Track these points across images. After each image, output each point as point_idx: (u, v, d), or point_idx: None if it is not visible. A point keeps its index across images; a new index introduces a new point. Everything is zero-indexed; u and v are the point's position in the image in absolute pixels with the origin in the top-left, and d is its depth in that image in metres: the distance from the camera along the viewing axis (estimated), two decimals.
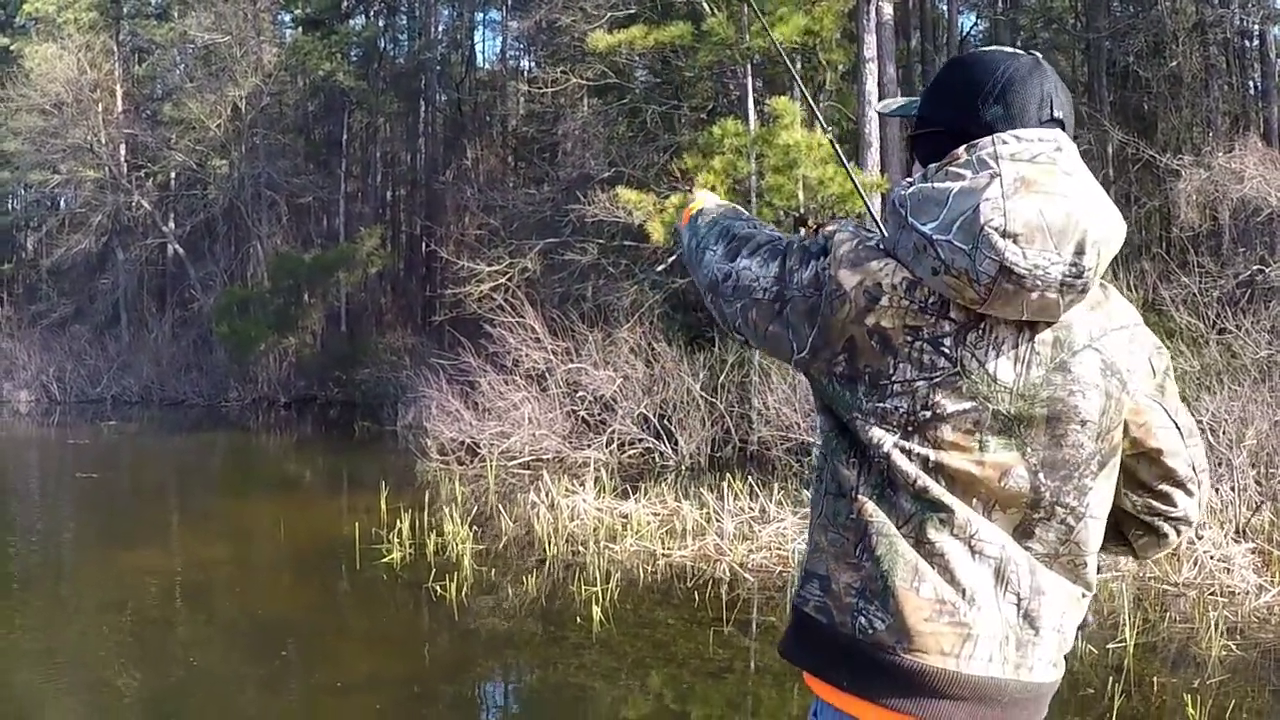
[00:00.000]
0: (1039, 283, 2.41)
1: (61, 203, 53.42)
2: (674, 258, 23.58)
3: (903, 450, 2.54)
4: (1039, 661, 2.60)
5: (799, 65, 25.10)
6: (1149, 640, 10.26)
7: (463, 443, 22.68)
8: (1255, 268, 19.71)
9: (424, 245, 42.92)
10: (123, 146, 46.76)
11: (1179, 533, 2.86)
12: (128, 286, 48.43)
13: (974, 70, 2.73)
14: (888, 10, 24.97)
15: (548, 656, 10.62)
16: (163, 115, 45.61)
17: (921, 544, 2.54)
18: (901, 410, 2.54)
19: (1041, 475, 2.55)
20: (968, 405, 2.51)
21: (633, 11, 25.80)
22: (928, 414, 2.52)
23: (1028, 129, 2.59)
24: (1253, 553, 12.22)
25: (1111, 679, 8.78)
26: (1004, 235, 2.40)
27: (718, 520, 14.65)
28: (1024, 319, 2.51)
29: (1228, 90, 28.07)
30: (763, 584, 12.66)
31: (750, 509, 15.07)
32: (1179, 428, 2.74)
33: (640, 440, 22.08)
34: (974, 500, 2.54)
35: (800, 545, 13.47)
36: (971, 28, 38.37)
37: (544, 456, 21.98)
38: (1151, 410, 2.70)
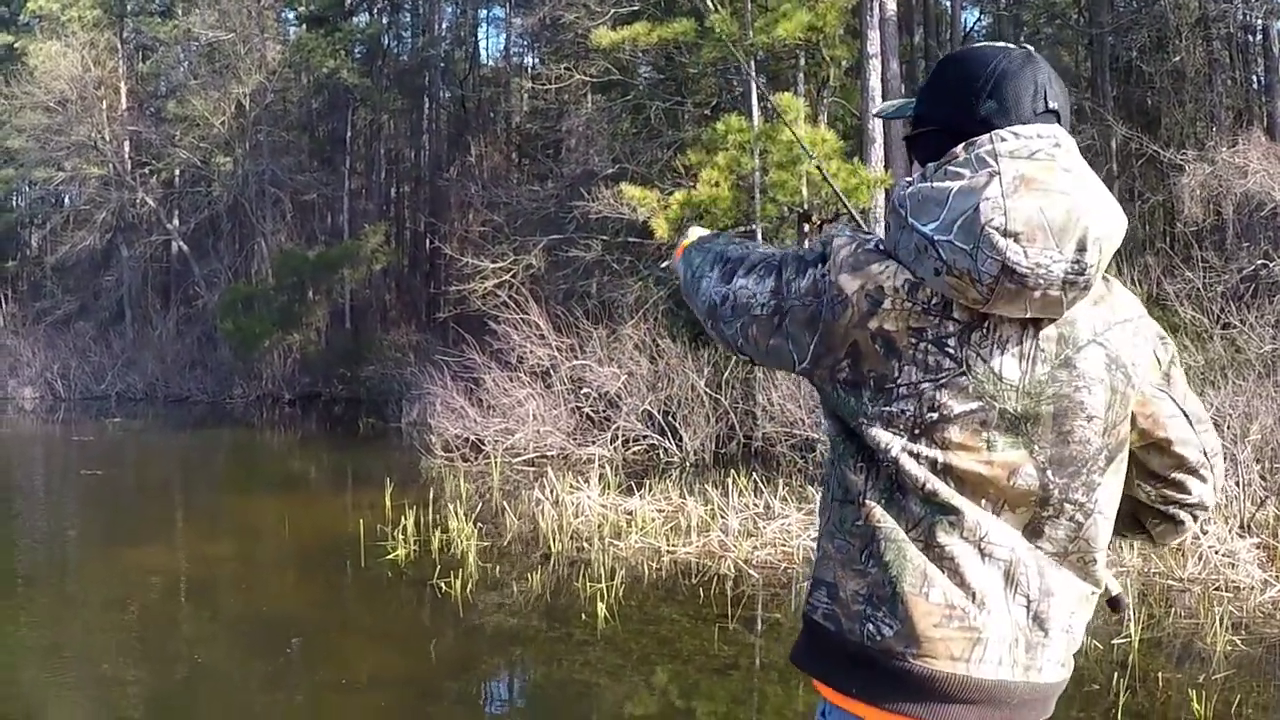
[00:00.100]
0: (1041, 281, 2.40)
1: (66, 200, 53.42)
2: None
3: (910, 453, 2.52)
4: (1048, 662, 2.60)
5: (803, 61, 25.15)
6: (1154, 636, 10.26)
7: (467, 439, 22.70)
8: (1259, 262, 19.68)
9: (428, 242, 42.94)
10: (127, 144, 46.76)
11: (1195, 518, 2.87)
12: (132, 283, 48.43)
13: (967, 66, 2.72)
14: (891, 6, 24.95)
15: (553, 653, 10.62)
16: (167, 112, 45.59)
17: (931, 547, 2.52)
18: (908, 413, 2.52)
19: (1050, 472, 2.54)
20: (974, 405, 2.50)
21: (636, 8, 25.82)
22: (934, 416, 2.51)
23: (1026, 125, 2.58)
24: (1257, 548, 12.22)
25: (1116, 674, 8.78)
26: (1005, 234, 2.39)
27: (722, 517, 14.65)
28: (1028, 317, 2.49)
29: (1231, 85, 28.02)
30: (767, 580, 12.66)
31: (755, 505, 15.06)
32: (1187, 415, 2.74)
33: (645, 437, 22.08)
34: (983, 500, 2.53)
35: (804, 541, 13.49)
36: (975, 23, 38.35)
37: (548, 453, 21.99)
38: (1158, 401, 2.71)
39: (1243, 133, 22.38)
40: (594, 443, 22.13)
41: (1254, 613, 10.79)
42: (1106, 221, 2.46)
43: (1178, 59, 26.72)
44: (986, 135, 2.56)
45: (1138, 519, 2.88)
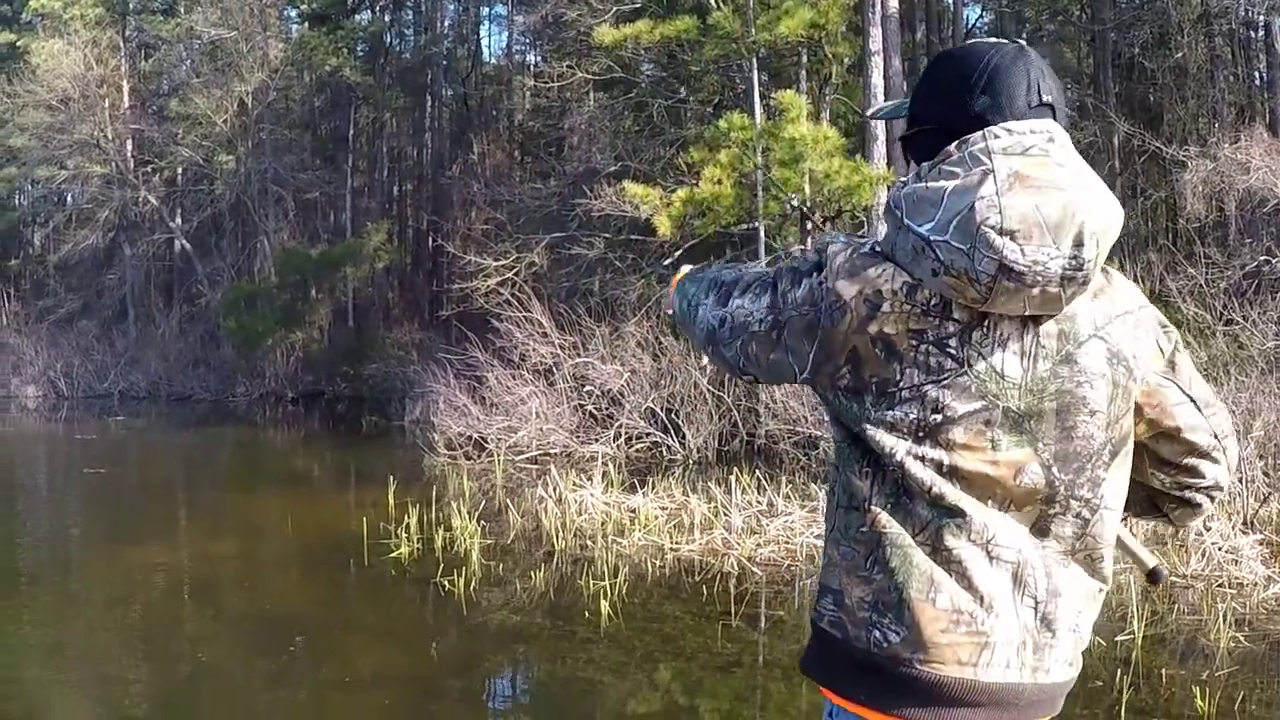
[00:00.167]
0: (1039, 278, 2.40)
1: (68, 198, 53.46)
2: (680, 251, 23.58)
3: (916, 456, 2.51)
4: (1055, 663, 2.60)
5: (805, 59, 25.15)
6: (1157, 632, 10.26)
7: (470, 437, 22.71)
8: (1262, 258, 19.69)
9: (431, 240, 42.91)
10: (129, 142, 46.82)
11: (1212, 499, 2.88)
12: (135, 282, 48.49)
13: (958, 63, 2.71)
14: (893, 3, 24.97)
15: (556, 651, 10.62)
16: (169, 111, 45.68)
17: (938, 551, 2.52)
18: (911, 416, 2.51)
19: (1055, 469, 2.54)
20: (978, 405, 2.50)
21: (638, 6, 25.81)
22: (938, 418, 2.50)
23: (1019, 121, 2.57)
24: (1261, 544, 12.22)
25: (1120, 671, 8.78)
26: (1001, 233, 2.38)
27: (725, 514, 14.64)
28: (1027, 314, 2.49)
29: (1233, 81, 27.98)
30: (771, 578, 12.66)
31: (758, 503, 15.06)
32: (1194, 401, 2.74)
33: (648, 434, 22.08)
34: (990, 501, 2.53)
35: (807, 538, 13.49)
36: (977, 20, 38.32)
37: (551, 451, 22.00)
38: (1164, 389, 2.71)
39: (1245, 129, 22.38)
40: (597, 440, 22.12)
41: (1257, 609, 10.79)
42: (1103, 215, 2.45)
43: (1180, 55, 26.69)
44: (979, 133, 2.55)
45: (1155, 504, 2.89)
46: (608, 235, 26.10)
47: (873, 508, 2.57)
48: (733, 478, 15.56)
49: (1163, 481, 2.83)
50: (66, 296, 50.59)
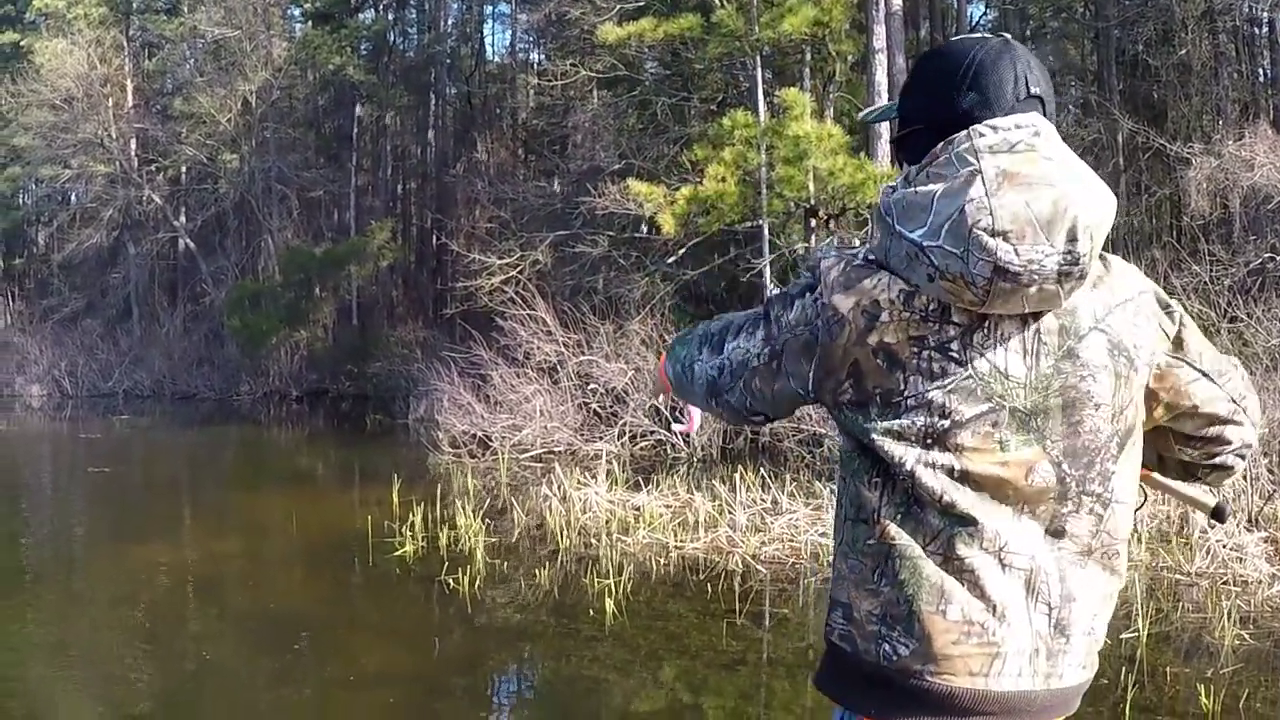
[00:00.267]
0: (1035, 277, 2.39)
1: (72, 197, 53.57)
2: (684, 249, 23.59)
3: (926, 464, 2.50)
4: (1069, 667, 2.60)
5: (808, 57, 25.15)
6: (1162, 630, 10.26)
7: (474, 436, 22.71)
8: (1266, 255, 19.67)
9: (435, 238, 42.93)
10: (133, 141, 46.83)
11: (1243, 458, 2.90)
12: (139, 281, 48.51)
13: (944, 61, 2.69)
14: (896, 1, 24.95)
15: (561, 649, 10.63)
16: (173, 110, 45.74)
17: (950, 561, 2.51)
18: (919, 424, 2.50)
19: (1065, 465, 2.53)
20: (984, 407, 2.49)
21: (642, 4, 25.80)
22: (946, 423, 2.49)
23: (1004, 117, 2.55)
24: (1265, 542, 12.22)
25: (1124, 669, 8.77)
26: (993, 234, 2.37)
27: (730, 512, 14.63)
28: (1027, 312, 2.48)
29: (1237, 78, 27.96)
30: (775, 576, 12.65)
31: (762, 501, 15.06)
32: (1206, 374, 2.74)
33: (652, 432, 22.08)
34: (1003, 504, 2.51)
35: (811, 536, 13.49)
36: (980, 17, 38.26)
37: (556, 449, 22.00)
38: (1175, 370, 2.71)
39: (1249, 126, 22.34)
40: (601, 438, 22.12)
41: (1262, 607, 10.78)
42: (1095, 207, 2.44)
43: (1184, 52, 26.65)
44: (964, 132, 2.54)
45: (1189, 473, 2.92)
46: (612, 233, 26.10)
47: (882, 519, 2.56)
48: (737, 475, 15.55)
49: (1191, 455, 2.85)
50: (71, 295, 50.68)
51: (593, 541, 14.38)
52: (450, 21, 47.67)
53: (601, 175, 26.84)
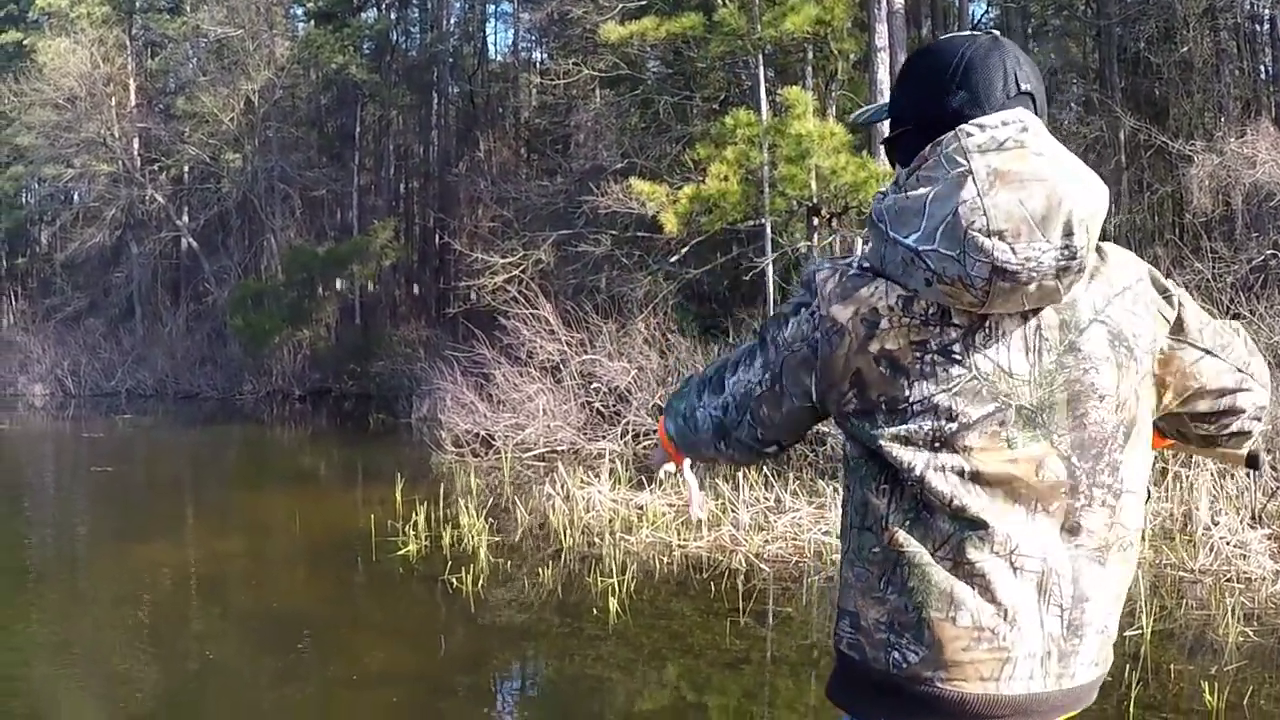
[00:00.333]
0: (1034, 274, 2.38)
1: (75, 197, 53.53)
2: (687, 248, 23.59)
3: (935, 468, 2.49)
4: (1081, 665, 2.60)
5: (811, 55, 25.15)
6: (1166, 627, 10.26)
7: (477, 435, 22.70)
8: (1269, 253, 19.67)
9: (437, 238, 42.89)
10: (136, 140, 46.79)
11: (1260, 419, 2.88)
12: (141, 280, 48.51)
13: (933, 59, 2.68)
14: None
15: (564, 648, 10.63)
16: (176, 109, 45.77)
17: (960, 566, 2.50)
18: (926, 428, 2.49)
19: (1074, 459, 2.52)
20: (991, 407, 2.48)
21: (644, 3, 25.78)
22: (954, 426, 2.48)
23: (990, 114, 2.54)
24: (1269, 538, 12.21)
25: (1128, 666, 8.77)
26: (989, 235, 2.36)
27: (733, 511, 14.62)
28: (1027, 309, 2.48)
29: (1239, 75, 27.93)
30: (778, 574, 12.66)
31: (765, 499, 15.04)
32: (1210, 351, 2.73)
33: (655, 431, 22.04)
34: (1016, 504, 2.51)
35: (815, 535, 13.49)
36: (983, 15, 38.24)
37: (559, 448, 21.98)
38: (1178, 353, 2.69)
39: (1251, 123, 22.32)
40: (604, 437, 22.10)
41: (1266, 604, 10.78)
42: (1088, 199, 2.43)
43: (1185, 49, 26.62)
44: (951, 133, 2.53)
45: (1210, 444, 2.92)
46: (614, 232, 26.08)
47: (890, 525, 2.55)
48: (740, 474, 15.54)
49: (1208, 429, 2.84)
50: (73, 295, 50.65)
51: (596, 541, 14.38)
52: (453, 21, 47.69)
53: (604, 174, 26.80)
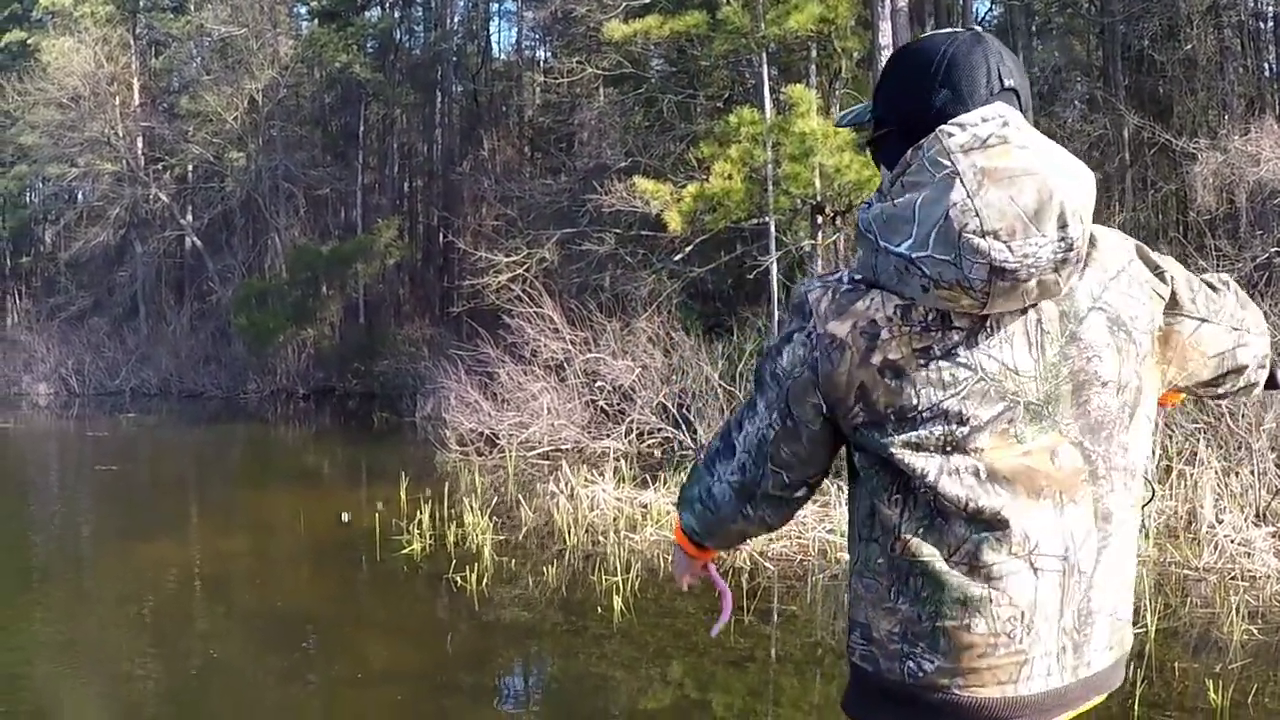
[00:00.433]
0: (1033, 271, 2.37)
1: (79, 196, 53.59)
2: (691, 247, 23.58)
3: (949, 472, 2.48)
4: (1095, 652, 2.59)
5: (814, 53, 25.14)
6: (1170, 625, 10.26)
7: (482, 433, 22.70)
8: (1273, 250, 19.66)
9: (441, 236, 42.86)
10: (140, 139, 46.82)
11: (1265, 367, 2.91)
12: (146, 279, 48.51)
13: (914, 58, 2.67)
14: None
15: (569, 647, 10.63)
16: (180, 108, 45.78)
17: (976, 570, 2.49)
18: (937, 433, 2.47)
19: (1086, 443, 2.52)
20: (1000, 407, 2.47)
21: (648, 1, 25.78)
22: (965, 429, 2.47)
23: (969, 112, 2.51)
24: (1273, 536, 12.19)
25: (1133, 664, 8.72)
26: (983, 235, 2.34)
27: None
28: (1027, 305, 2.47)
29: (1243, 73, 27.91)
30: (783, 573, 12.64)
31: None
32: (1205, 319, 2.74)
33: (659, 429, 22.06)
34: (1042, 499, 2.49)
35: (819, 534, 13.48)
36: (986, 13, 38.21)
37: (563, 446, 21.98)
38: (1175, 328, 2.70)
39: (1255, 120, 22.29)
40: (608, 436, 22.11)
41: (1270, 602, 10.77)
42: (1079, 189, 2.42)
43: (1189, 47, 26.61)
44: (932, 135, 2.49)
45: (1221, 399, 2.99)
46: (618, 231, 26.07)
47: (903, 534, 2.54)
48: None
49: (1216, 391, 2.89)
50: (77, 294, 50.66)
51: (600, 539, 14.37)
52: (456, 19, 47.70)
53: (608, 173, 26.82)
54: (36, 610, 12.07)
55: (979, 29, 2.65)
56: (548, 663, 10.58)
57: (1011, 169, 2.38)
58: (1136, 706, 7.99)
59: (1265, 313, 16.00)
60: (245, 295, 41.69)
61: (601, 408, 22.89)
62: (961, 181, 2.38)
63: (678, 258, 24.22)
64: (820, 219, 22.54)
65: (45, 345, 45.86)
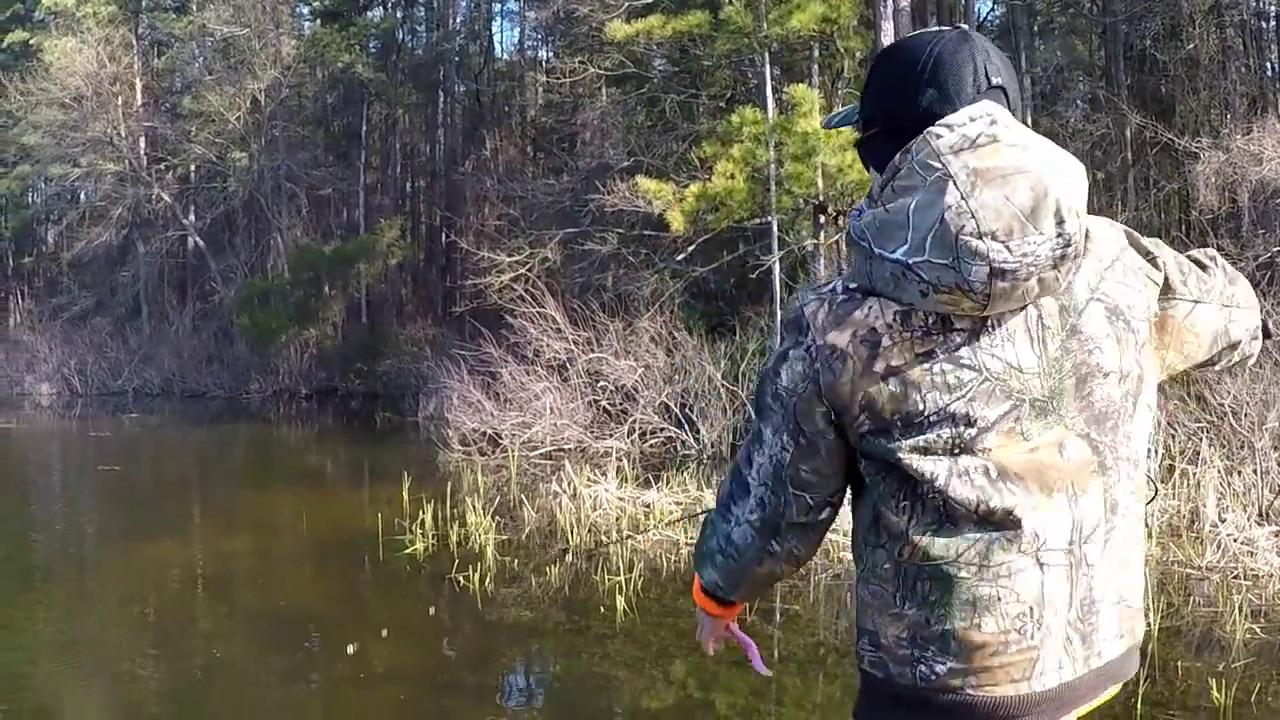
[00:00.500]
0: (1032, 269, 2.36)
1: (82, 196, 53.60)
2: (693, 246, 23.58)
3: (958, 474, 2.45)
4: (1104, 641, 2.58)
5: (817, 53, 25.15)
6: (1173, 624, 10.25)
7: (484, 433, 22.70)
8: (1275, 249, 19.65)
9: (444, 236, 42.81)
10: (142, 139, 46.88)
11: (1259, 338, 2.94)
12: (148, 279, 48.53)
13: (901, 57, 2.64)
14: None
15: (572, 646, 10.63)
16: (182, 108, 45.82)
17: (985, 570, 2.47)
18: (945, 436, 2.45)
19: (1092, 434, 2.52)
20: (1006, 406, 2.45)
21: (650, 1, 25.79)
22: (973, 430, 2.45)
23: (956, 112, 2.49)
24: (1276, 535, 12.19)
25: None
26: (980, 237, 2.32)
27: None
28: (1026, 302, 2.46)
29: (1245, 72, 27.87)
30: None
31: None
32: (1198, 300, 2.74)
33: (662, 429, 22.07)
34: (1054, 494, 2.48)
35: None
36: (989, 12, 38.21)
37: (566, 446, 21.99)
38: (1170, 312, 2.70)
39: (1257, 120, 22.28)
40: (611, 436, 22.12)
41: (1273, 600, 10.77)
42: (1071, 184, 2.41)
43: (1191, 47, 26.59)
44: (920, 137, 2.47)
45: (1220, 371, 2.97)
46: (621, 231, 26.07)
47: (910, 539, 2.51)
48: None
49: (1213, 369, 2.91)
50: (80, 294, 50.70)
51: (603, 539, 14.37)
52: (459, 19, 47.72)
53: (610, 172, 26.82)
54: (39, 610, 12.08)
55: (966, 27, 2.63)
56: (550, 662, 10.58)
57: (1004, 168, 2.37)
58: (1139, 705, 7.98)
59: (1268, 311, 16.08)
60: (248, 295, 41.70)
61: (604, 407, 22.91)
62: (955, 183, 2.37)
63: (680, 257, 24.22)
64: (823, 218, 22.54)
65: (48, 345, 45.89)
